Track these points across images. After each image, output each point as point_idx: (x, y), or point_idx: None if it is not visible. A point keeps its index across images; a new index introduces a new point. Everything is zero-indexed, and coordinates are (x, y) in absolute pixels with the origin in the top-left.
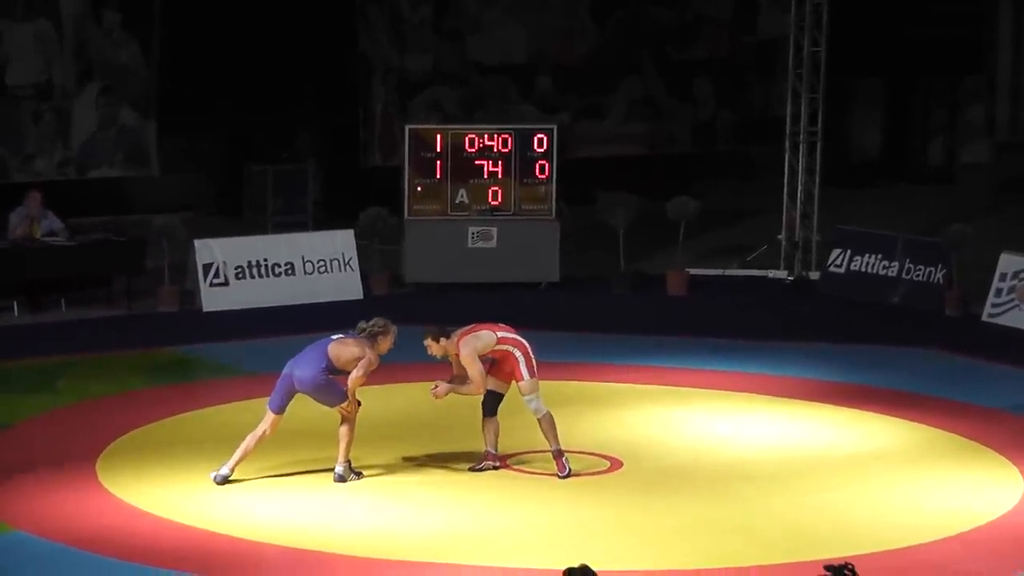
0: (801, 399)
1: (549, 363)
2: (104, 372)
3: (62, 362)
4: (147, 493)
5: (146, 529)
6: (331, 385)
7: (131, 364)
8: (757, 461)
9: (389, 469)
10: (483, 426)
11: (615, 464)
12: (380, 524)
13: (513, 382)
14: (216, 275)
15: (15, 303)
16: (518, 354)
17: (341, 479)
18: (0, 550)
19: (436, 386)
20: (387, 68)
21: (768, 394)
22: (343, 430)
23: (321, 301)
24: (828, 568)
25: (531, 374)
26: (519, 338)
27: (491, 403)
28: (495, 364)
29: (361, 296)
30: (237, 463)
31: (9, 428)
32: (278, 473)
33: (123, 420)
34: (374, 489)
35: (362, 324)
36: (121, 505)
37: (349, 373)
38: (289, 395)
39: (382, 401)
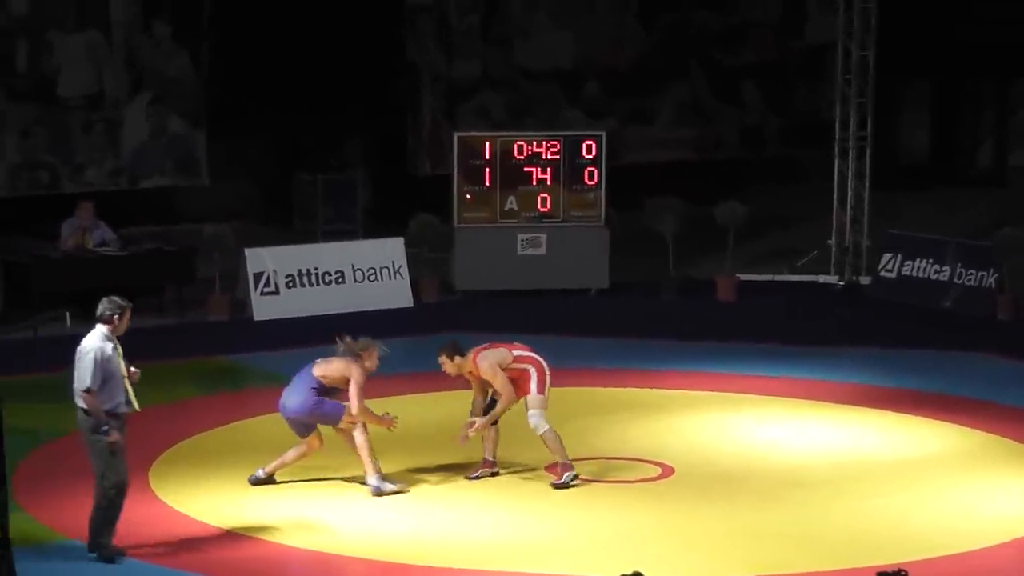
0: (852, 404)
1: (598, 370)
2: (155, 381)
3: None
4: (199, 502)
5: (197, 537)
6: (322, 405)
7: (182, 373)
8: (809, 467)
9: (434, 479)
10: (483, 435)
11: (666, 471)
12: (429, 532)
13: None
14: (267, 284)
15: (67, 313)
16: (532, 371)
17: (378, 492)
18: (57, 557)
19: (471, 424)
20: (435, 75)
21: (819, 399)
22: (358, 443)
23: (371, 309)
24: (881, 574)
25: (540, 390)
26: (536, 357)
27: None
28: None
29: (411, 304)
30: (275, 469)
31: (62, 438)
32: (331, 479)
33: (175, 429)
34: (416, 494)
35: (347, 340)
36: (173, 514)
37: (339, 389)
38: (298, 424)
39: (407, 410)
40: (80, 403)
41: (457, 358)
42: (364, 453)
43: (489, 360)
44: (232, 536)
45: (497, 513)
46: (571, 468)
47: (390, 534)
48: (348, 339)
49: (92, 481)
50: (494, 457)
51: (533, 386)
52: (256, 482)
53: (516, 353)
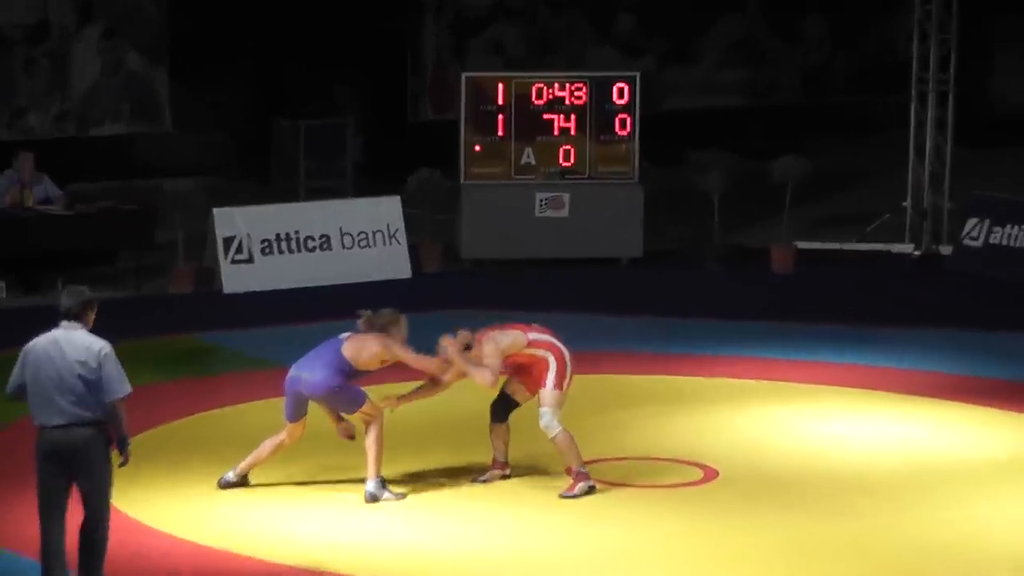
0: (929, 396)
1: (629, 354)
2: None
3: None
4: (157, 507)
5: (157, 550)
6: (347, 390)
7: (139, 354)
8: (876, 470)
9: (437, 482)
10: (491, 432)
11: (709, 473)
12: (432, 545)
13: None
14: (239, 250)
15: (4, 283)
16: (552, 360)
17: (374, 498)
18: None
19: (445, 343)
20: (440, 4)
21: (889, 390)
22: (370, 440)
23: (362, 281)
24: None
25: (557, 385)
26: (556, 343)
27: (501, 409)
28: (521, 369)
29: (409, 274)
30: (247, 469)
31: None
32: (304, 483)
33: (130, 420)
34: (415, 502)
35: (367, 315)
36: (127, 522)
37: (365, 373)
38: (301, 402)
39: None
40: (91, 415)
41: (460, 332)
42: (373, 451)
43: (495, 343)
44: (199, 549)
45: (511, 522)
46: (587, 477)
47: (387, 546)
48: (369, 313)
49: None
50: (505, 458)
51: (550, 379)
52: (226, 486)
53: (532, 336)
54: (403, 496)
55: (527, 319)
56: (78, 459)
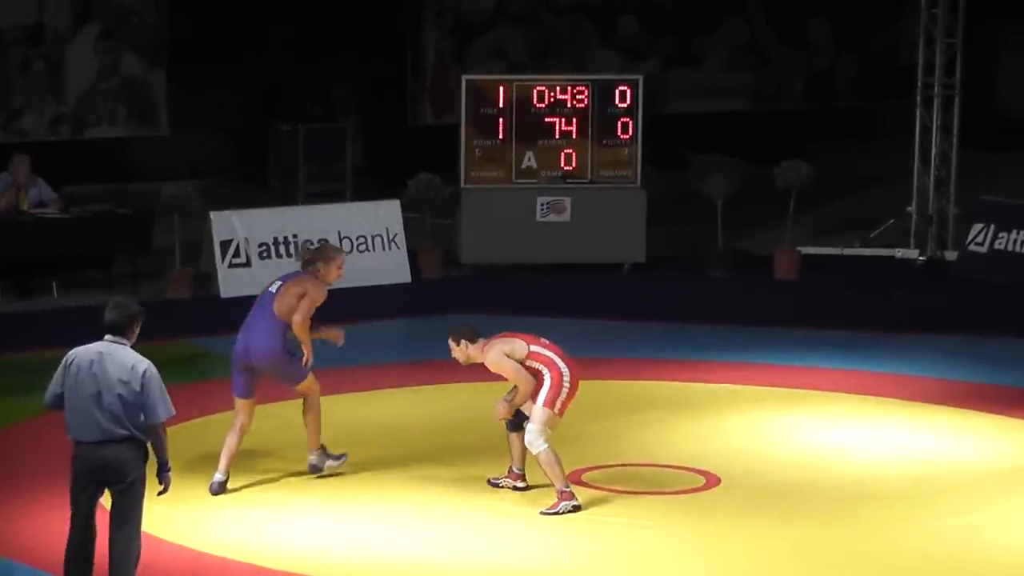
0: (935, 403)
1: (631, 360)
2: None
3: (54, 357)
4: (154, 513)
5: (154, 556)
6: (291, 361)
7: None
8: (880, 477)
9: (437, 490)
10: (508, 441)
11: (711, 480)
12: (426, 551)
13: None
14: (236, 254)
15: None
16: (548, 377)
17: (316, 469)
18: None
19: (499, 405)
20: (441, 7)
21: (894, 397)
22: (310, 414)
23: (361, 285)
24: None
25: (548, 403)
26: (557, 361)
27: (511, 419)
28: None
29: (409, 279)
30: (228, 466)
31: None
32: (300, 488)
33: None
34: (414, 510)
35: (306, 250)
36: None
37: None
38: (250, 374)
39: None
40: (126, 432)
41: (468, 345)
42: (313, 425)
43: (497, 350)
44: (194, 556)
45: (513, 532)
46: (571, 497)
47: (387, 556)
48: (307, 247)
49: (25, 488)
50: (522, 468)
51: (541, 396)
52: (219, 490)
53: (533, 348)
54: (345, 457)
55: (529, 325)
56: (111, 474)
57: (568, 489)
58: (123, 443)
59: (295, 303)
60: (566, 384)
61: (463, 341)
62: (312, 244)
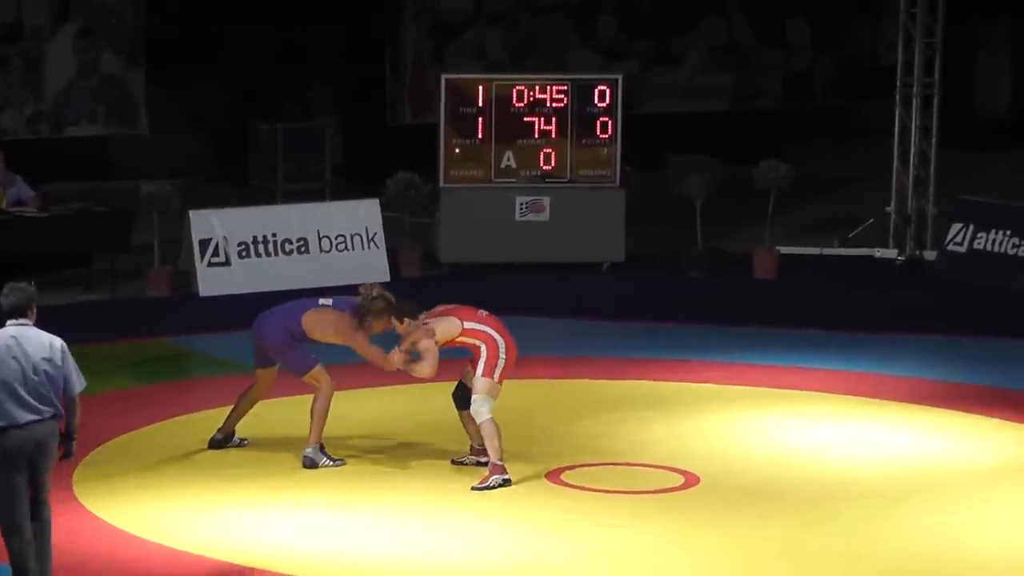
0: (914, 403)
1: (612, 359)
2: (82, 368)
3: None
4: (132, 512)
5: (131, 554)
6: (292, 349)
7: (114, 358)
8: (859, 477)
9: (416, 486)
10: (462, 421)
11: (691, 480)
12: (406, 551)
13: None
14: (215, 253)
15: None
16: (483, 349)
17: (311, 463)
18: None
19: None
20: (420, 7)
21: (873, 397)
22: (316, 407)
23: (340, 284)
24: None
25: (486, 373)
26: (491, 333)
27: (461, 397)
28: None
29: (388, 278)
30: (229, 426)
31: None
32: (281, 486)
33: (104, 425)
34: (393, 508)
35: (364, 290)
36: (101, 526)
37: (314, 343)
38: (263, 352)
39: (384, 405)
40: (53, 410)
41: (406, 319)
42: (317, 420)
43: (430, 332)
44: (175, 554)
45: (492, 528)
46: (503, 471)
47: (369, 555)
48: (372, 293)
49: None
50: (481, 444)
51: (479, 367)
52: (215, 446)
53: (468, 325)
54: (342, 462)
55: (507, 324)
56: (40, 453)
57: (501, 463)
58: (50, 420)
59: (325, 329)
60: (502, 355)
61: (405, 318)
62: (374, 289)
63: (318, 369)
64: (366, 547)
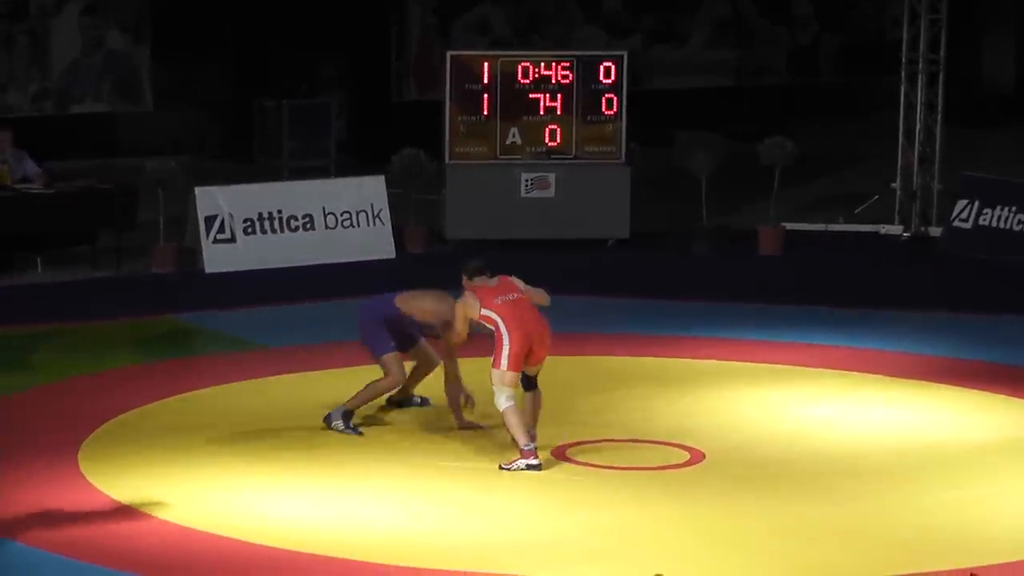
0: (919, 379)
1: (618, 335)
2: (88, 345)
3: (38, 333)
4: (139, 489)
5: (138, 531)
6: (380, 334)
7: (120, 335)
8: (865, 453)
9: (423, 466)
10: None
11: (696, 456)
12: (413, 527)
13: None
14: (221, 230)
15: None
16: (505, 335)
17: (327, 421)
18: None
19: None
20: None
21: (879, 373)
22: (375, 384)
23: (346, 261)
24: None
25: (496, 364)
26: (498, 321)
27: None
28: None
29: (393, 255)
30: (356, 404)
31: None
32: (289, 464)
33: (111, 402)
34: (397, 485)
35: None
36: (108, 503)
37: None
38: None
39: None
40: None
41: (465, 280)
42: (366, 392)
43: (464, 307)
44: (181, 530)
45: (496, 505)
46: (529, 456)
47: (371, 529)
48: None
49: (11, 465)
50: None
51: (494, 358)
52: (396, 405)
53: (484, 312)
54: (358, 433)
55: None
56: None
57: (529, 447)
58: None
59: (423, 300)
60: (506, 344)
61: (463, 276)
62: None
63: (392, 357)
64: (371, 523)
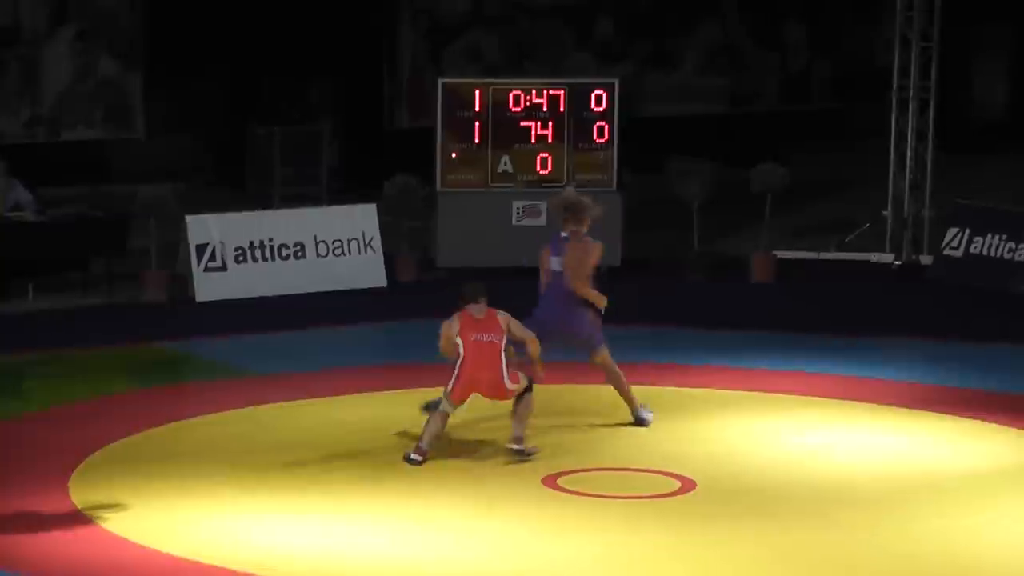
0: (910, 407)
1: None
2: (79, 372)
3: (29, 360)
4: (130, 518)
5: (130, 561)
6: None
7: (111, 363)
8: (856, 481)
9: (411, 487)
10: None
11: (687, 484)
12: (405, 553)
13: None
14: (212, 258)
15: None
16: (457, 368)
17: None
18: None
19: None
20: (417, 9)
21: (870, 401)
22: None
23: (337, 289)
24: None
25: (447, 386)
26: (460, 352)
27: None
28: None
29: (385, 283)
30: (630, 403)
31: None
32: (281, 491)
33: (101, 430)
34: (390, 512)
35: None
36: (99, 533)
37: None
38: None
39: (381, 411)
40: None
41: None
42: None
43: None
44: (172, 560)
45: (486, 533)
46: (417, 453)
47: (362, 556)
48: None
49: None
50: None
51: (449, 382)
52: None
53: (456, 339)
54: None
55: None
56: None
57: (419, 448)
58: None
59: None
60: (454, 377)
61: (459, 296)
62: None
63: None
64: (362, 551)
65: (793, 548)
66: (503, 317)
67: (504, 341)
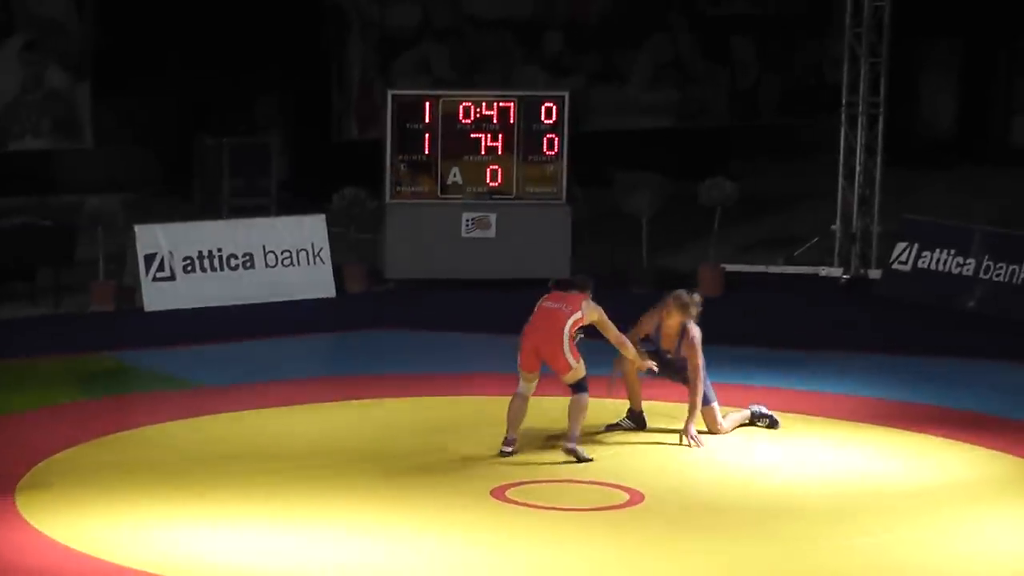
0: (858, 421)
1: (553, 376)
2: (26, 382)
3: None
4: (77, 528)
5: (74, 570)
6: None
7: (58, 373)
8: (803, 495)
9: (359, 497)
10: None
11: (634, 497)
12: (354, 562)
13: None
14: (160, 268)
15: None
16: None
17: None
18: None
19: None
20: (366, 22)
21: (818, 415)
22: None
23: (286, 300)
24: None
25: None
26: (529, 323)
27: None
28: None
29: (333, 294)
30: (634, 402)
31: None
32: (229, 502)
33: (48, 439)
34: (336, 522)
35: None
36: (45, 542)
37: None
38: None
39: (334, 421)
40: None
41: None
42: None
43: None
44: (118, 570)
45: (434, 543)
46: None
47: (306, 567)
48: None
49: None
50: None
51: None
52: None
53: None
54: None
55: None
56: None
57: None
58: None
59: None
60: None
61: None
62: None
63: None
64: (307, 562)
65: (739, 561)
66: (591, 305)
67: (574, 317)
